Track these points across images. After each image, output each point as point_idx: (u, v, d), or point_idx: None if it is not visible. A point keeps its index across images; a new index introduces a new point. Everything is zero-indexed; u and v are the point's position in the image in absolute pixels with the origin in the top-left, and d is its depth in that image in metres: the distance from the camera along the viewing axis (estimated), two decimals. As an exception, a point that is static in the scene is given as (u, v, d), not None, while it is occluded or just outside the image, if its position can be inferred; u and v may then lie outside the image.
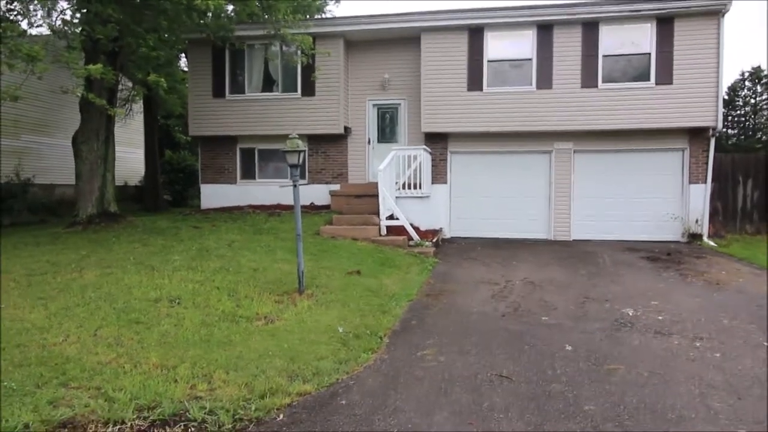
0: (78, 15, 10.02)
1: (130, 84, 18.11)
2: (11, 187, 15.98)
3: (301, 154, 6.98)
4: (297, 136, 7.03)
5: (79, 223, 11.49)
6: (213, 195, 14.97)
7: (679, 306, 6.82)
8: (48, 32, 10.95)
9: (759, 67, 33.02)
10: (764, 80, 33.00)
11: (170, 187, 20.80)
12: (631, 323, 6.07)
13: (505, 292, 7.62)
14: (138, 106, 19.75)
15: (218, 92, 14.55)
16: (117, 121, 18.74)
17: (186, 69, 17.00)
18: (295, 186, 7.10)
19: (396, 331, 5.84)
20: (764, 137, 32.26)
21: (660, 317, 6.30)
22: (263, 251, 9.30)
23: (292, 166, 7.00)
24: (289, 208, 13.79)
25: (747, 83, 34.01)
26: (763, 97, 33.53)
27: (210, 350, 5.14)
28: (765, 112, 33.82)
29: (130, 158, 21.62)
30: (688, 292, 7.58)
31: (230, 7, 13.85)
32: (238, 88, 14.63)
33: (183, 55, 19.04)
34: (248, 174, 15.04)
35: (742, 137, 33.54)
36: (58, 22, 9.88)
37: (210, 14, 12.18)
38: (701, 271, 9.00)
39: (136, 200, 20.20)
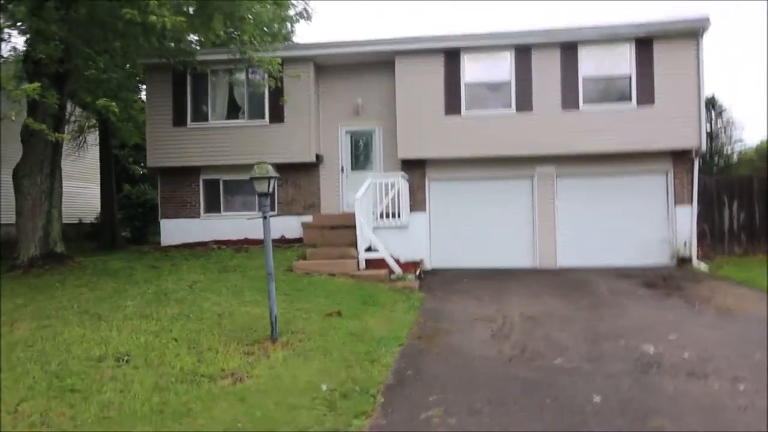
0: (15, 32, 9.01)
1: (82, 116, 17.01)
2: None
3: (272, 182, 6.10)
4: (266, 161, 6.16)
5: (19, 266, 10.23)
6: (174, 230, 13.83)
7: (700, 340, 6.12)
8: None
9: (713, 97, 33.94)
10: (718, 109, 33.93)
11: (129, 224, 19.44)
12: (657, 363, 5.31)
13: (505, 330, 6.80)
14: (93, 138, 18.55)
15: (179, 120, 13.59)
16: (70, 154, 17.62)
17: (144, 97, 16.01)
18: (265, 218, 6.19)
19: (390, 386, 4.92)
20: (721, 162, 32.96)
21: (685, 355, 5.56)
22: (229, 293, 8.27)
23: (262, 195, 6.11)
24: (258, 242, 12.77)
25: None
26: (718, 125, 34.42)
27: (163, 424, 4.12)
28: (721, 139, 34.71)
29: (86, 194, 20.27)
30: (702, 323, 6.92)
31: (192, 35, 12.99)
32: (200, 115, 13.70)
33: (142, 84, 18.11)
34: (213, 207, 13.98)
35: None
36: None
37: (168, 36, 11.31)
38: (705, 298, 8.40)
39: (91, 238, 18.78)
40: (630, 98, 12.26)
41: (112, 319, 6.85)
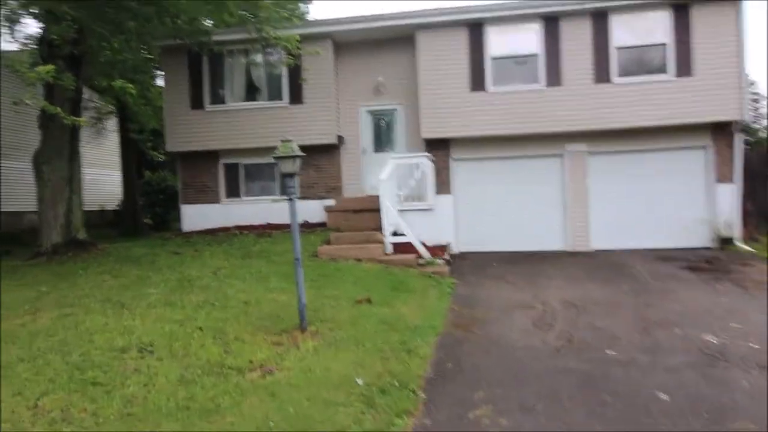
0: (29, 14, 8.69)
1: (100, 102, 16.81)
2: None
3: (298, 161, 5.73)
4: (291, 139, 5.78)
5: (42, 253, 10.08)
6: (195, 216, 13.60)
7: (765, 329, 5.64)
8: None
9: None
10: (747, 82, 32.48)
11: (150, 210, 19.34)
12: (722, 355, 4.87)
13: (547, 317, 6.40)
14: (112, 124, 18.40)
15: (197, 103, 13.26)
16: (90, 141, 17.49)
17: (161, 81, 15.72)
18: (290, 200, 5.84)
19: (431, 380, 4.58)
20: (751, 138, 31.68)
21: (753, 345, 5.11)
22: (254, 279, 7.99)
23: (287, 176, 5.75)
24: (281, 227, 12.51)
25: None
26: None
27: (190, 422, 3.84)
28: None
29: (107, 181, 20.19)
30: (762, 309, 6.42)
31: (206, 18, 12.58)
32: (218, 98, 13.35)
33: (158, 69, 17.84)
34: (233, 192, 13.70)
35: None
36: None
37: (181, 17, 10.94)
38: (758, 282, 7.87)
39: (114, 226, 18.73)
40: (666, 69, 11.58)
41: (135, 308, 6.60)
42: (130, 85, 8.70)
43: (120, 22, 9.51)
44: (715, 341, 5.29)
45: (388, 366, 4.86)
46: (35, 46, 10.55)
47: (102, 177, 19.99)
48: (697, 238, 11.85)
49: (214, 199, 13.63)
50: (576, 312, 6.56)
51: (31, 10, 9.73)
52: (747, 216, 12.04)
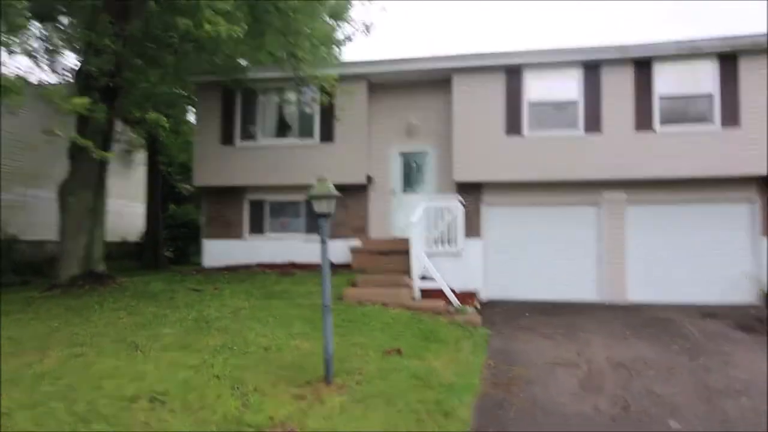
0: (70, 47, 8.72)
1: (132, 134, 16.97)
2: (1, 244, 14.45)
3: (333, 201, 5.39)
4: (327, 178, 5.46)
5: (59, 286, 9.82)
6: (217, 252, 13.34)
7: None
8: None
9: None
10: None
11: (172, 244, 19.24)
12: (806, 436, 4.25)
13: (594, 379, 5.81)
14: (141, 157, 18.53)
15: (227, 139, 13.21)
16: (117, 172, 17.58)
17: (193, 117, 15.82)
18: (323, 241, 5.46)
19: (474, 451, 4.04)
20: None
21: (837, 425, 4.48)
22: (276, 323, 7.55)
23: (321, 216, 5.40)
24: (304, 267, 12.17)
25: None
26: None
27: (202, 491, 3.36)
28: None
29: (130, 212, 20.21)
30: (835, 380, 5.75)
31: (243, 56, 12.62)
32: (249, 134, 13.28)
33: (190, 105, 18.03)
34: (257, 228, 13.46)
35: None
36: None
37: (219, 53, 10.97)
38: (823, 347, 7.18)
39: (135, 257, 18.63)
40: (712, 119, 11.16)
41: (149, 350, 6.20)
42: (164, 118, 8.57)
43: (159, 57, 9.50)
44: (792, 418, 4.66)
45: (424, 430, 4.34)
46: (71, 79, 10.62)
47: (126, 208, 20.03)
48: (741, 294, 11.13)
49: (238, 235, 13.39)
50: (627, 374, 5.96)
51: (73, 45, 9.85)
52: (795, 273, 11.29)
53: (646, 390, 5.41)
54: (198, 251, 19.04)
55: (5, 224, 15.03)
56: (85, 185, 10.16)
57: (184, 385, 5.13)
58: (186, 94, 16.16)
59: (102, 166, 10.45)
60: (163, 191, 18.10)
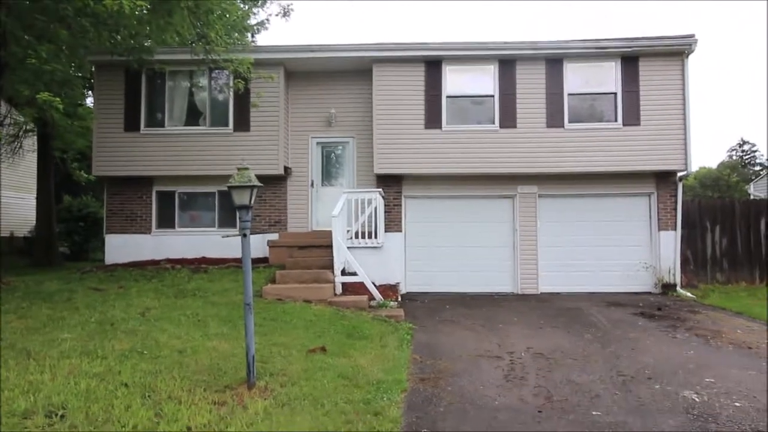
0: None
1: (21, 119, 15.30)
2: None
3: (255, 192, 5.06)
4: (248, 167, 5.11)
5: (-68, 287, 8.63)
6: (122, 247, 12.35)
7: (741, 384, 5.43)
8: None
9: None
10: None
11: (68, 238, 17.62)
12: (712, 417, 4.55)
13: (517, 370, 5.93)
14: (30, 143, 16.77)
15: (131, 125, 12.23)
16: (3, 160, 15.80)
17: (91, 100, 14.52)
18: (244, 236, 5.11)
19: (407, 452, 3.93)
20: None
21: (737, 403, 4.84)
22: (190, 323, 7.07)
23: (241, 208, 5.05)
24: (217, 261, 11.62)
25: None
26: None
27: None
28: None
29: (20, 204, 18.36)
30: (730, 362, 6.26)
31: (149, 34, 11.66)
32: (156, 120, 12.38)
33: (89, 89, 16.54)
34: (166, 222, 12.61)
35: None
36: None
37: (122, 32, 10.08)
38: (714, 331, 7.83)
39: (25, 254, 16.90)
40: (616, 118, 11.85)
41: (44, 357, 5.55)
42: (57, 99, 7.69)
43: (50, 31, 8.52)
44: (697, 399, 4.98)
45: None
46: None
47: (14, 200, 18.18)
48: (642, 283, 12.00)
49: (144, 229, 12.48)
50: (546, 364, 6.14)
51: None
52: (686, 263, 12.33)
53: (566, 379, 5.58)
54: (99, 247, 17.61)
55: None
56: (-38, 173, 8.97)
57: (87, 396, 4.62)
58: (82, 74, 14.79)
59: (-17, 152, 9.27)
60: (57, 181, 16.48)
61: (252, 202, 5.07)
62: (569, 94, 11.89)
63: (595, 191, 12.16)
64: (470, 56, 11.95)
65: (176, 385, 4.99)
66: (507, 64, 11.93)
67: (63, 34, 8.62)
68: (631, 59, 11.79)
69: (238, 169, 5.01)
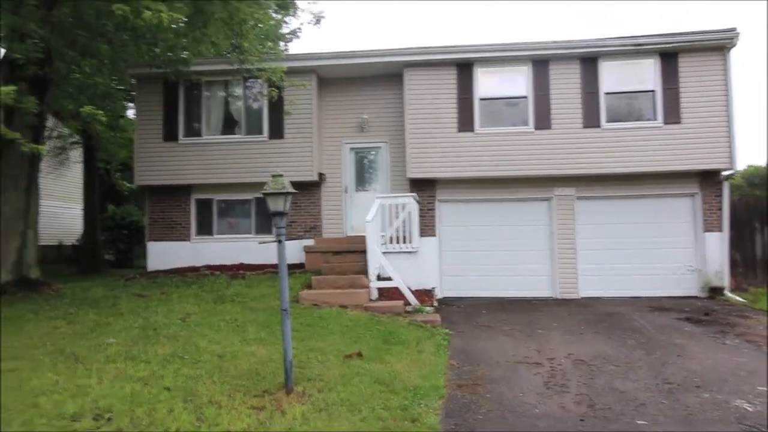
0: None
1: (67, 131, 15.93)
2: None
3: (289, 198, 5.12)
4: (282, 174, 5.18)
5: (-13, 294, 9.04)
6: (163, 254, 12.68)
7: (795, 392, 5.17)
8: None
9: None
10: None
11: (113, 246, 18.22)
12: (766, 428, 4.33)
13: (557, 377, 5.80)
14: (77, 155, 17.43)
15: (170, 135, 12.56)
16: (51, 171, 16.47)
17: (132, 112, 14.99)
18: (279, 242, 5.17)
19: (446, 459, 3.89)
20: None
21: (793, 414, 4.61)
22: (229, 328, 7.19)
23: (277, 215, 5.11)
24: (255, 268, 11.78)
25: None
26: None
27: None
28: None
29: (67, 214, 19.07)
30: (783, 369, 5.97)
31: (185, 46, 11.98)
32: (193, 130, 12.69)
33: (130, 101, 17.09)
34: (205, 229, 12.89)
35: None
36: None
37: (160, 44, 10.37)
38: (765, 337, 7.49)
39: (72, 262, 17.54)
40: (655, 116, 11.52)
41: (91, 362, 5.73)
42: (100, 112, 7.97)
43: (93, 45, 8.85)
44: (749, 408, 4.77)
45: (392, 439, 4.16)
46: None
47: (62, 210, 18.88)
48: (687, 287, 11.59)
49: (184, 237, 12.78)
50: (588, 371, 5.99)
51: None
52: (734, 265, 11.85)
53: (609, 387, 5.43)
54: (141, 254, 18.13)
55: None
56: (15, 184, 9.39)
57: (131, 400, 4.74)
58: (123, 87, 15.30)
59: (33, 163, 9.70)
60: (101, 191, 17.08)
61: (286, 208, 5.12)
62: (606, 93, 11.63)
63: (635, 192, 11.83)
64: (502, 58, 11.83)
65: (216, 389, 5.07)
66: (540, 64, 11.75)
67: (104, 49, 8.94)
68: (669, 55, 11.46)
69: (273, 176, 5.07)
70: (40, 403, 4.65)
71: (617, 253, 11.80)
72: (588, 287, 11.73)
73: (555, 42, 11.63)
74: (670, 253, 11.73)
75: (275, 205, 5.07)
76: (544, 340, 7.53)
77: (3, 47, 8.08)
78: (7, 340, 6.58)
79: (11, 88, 6.83)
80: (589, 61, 11.66)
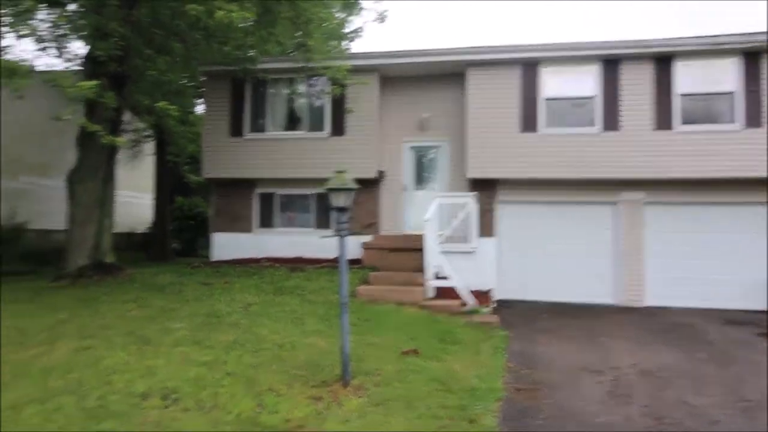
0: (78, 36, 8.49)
1: (140, 125, 16.76)
2: (3, 232, 14.30)
3: (352, 194, 5.17)
4: (345, 170, 5.24)
5: (66, 276, 9.64)
6: (226, 245, 13.12)
7: None
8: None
9: None
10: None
11: (179, 236, 19.06)
12: None
13: (622, 386, 5.58)
14: (149, 148, 18.33)
15: (236, 130, 12.97)
16: (125, 163, 17.38)
17: (201, 107, 15.60)
18: (341, 237, 5.24)
19: (504, 463, 3.82)
20: None
21: None
22: (288, 319, 7.35)
23: (339, 210, 5.18)
24: (313, 262, 11.97)
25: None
26: None
27: (220, 501, 3.15)
28: None
29: (138, 203, 20.03)
30: None
31: (252, 45, 12.35)
32: (258, 126, 13.04)
33: (198, 97, 17.80)
34: (266, 222, 13.23)
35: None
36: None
37: (230, 42, 10.72)
38: None
39: (142, 249, 18.45)
40: (734, 119, 10.86)
41: (159, 344, 6.01)
42: (173, 107, 8.35)
43: (167, 44, 9.27)
44: (837, 433, 4.42)
45: (448, 438, 4.13)
46: (79, 67, 10.42)
47: (134, 200, 19.86)
48: (758, 300, 10.85)
49: (247, 229, 13.17)
50: (656, 383, 5.73)
51: (79, 32, 9.65)
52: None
53: (678, 400, 5.17)
54: (205, 244, 18.85)
55: (13, 212, 14.88)
56: (93, 174, 9.97)
57: (196, 383, 4.94)
58: (193, 84, 15.93)
59: (111, 154, 10.26)
60: (171, 183, 17.89)
61: (348, 204, 5.18)
62: (680, 95, 11.06)
63: (709, 199, 11.20)
64: (570, 57, 11.48)
65: (275, 378, 5.19)
66: (610, 64, 11.32)
67: (178, 47, 9.33)
68: (752, 55, 10.77)
69: (336, 172, 5.15)
70: (113, 380, 4.92)
71: (687, 262, 11.22)
72: (654, 296, 11.23)
73: (627, 41, 11.17)
74: (747, 264, 11.03)
75: (337, 200, 5.14)
76: (607, 347, 7.26)
77: (86, 48, 8.58)
78: (83, 320, 7.00)
79: (94, 83, 7.26)
80: (663, 60, 11.12)
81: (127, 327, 6.69)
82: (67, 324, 6.81)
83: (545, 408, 4.92)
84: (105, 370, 5.17)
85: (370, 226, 12.63)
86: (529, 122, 11.61)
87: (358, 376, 5.32)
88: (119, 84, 9.52)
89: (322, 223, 12.81)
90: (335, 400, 4.78)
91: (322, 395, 4.88)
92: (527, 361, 6.48)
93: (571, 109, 11.67)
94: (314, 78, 12.45)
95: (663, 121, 11.10)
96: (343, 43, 18.29)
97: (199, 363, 5.45)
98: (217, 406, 4.52)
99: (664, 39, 11.04)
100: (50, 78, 7.44)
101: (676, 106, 11.05)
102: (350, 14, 17.90)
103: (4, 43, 8.12)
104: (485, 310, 8.90)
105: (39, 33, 8.99)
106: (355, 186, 5.20)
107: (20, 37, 7.74)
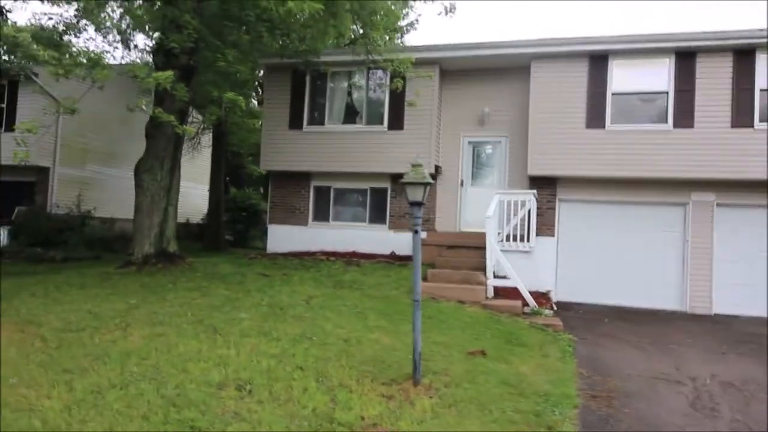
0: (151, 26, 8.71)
1: (199, 117, 17.16)
2: (69, 219, 14.95)
3: (427, 189, 5.07)
4: (421, 163, 5.14)
5: (133, 263, 9.95)
6: (281, 237, 13.28)
7: None
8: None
9: None
10: None
11: (232, 226, 19.47)
12: None
13: (704, 398, 5.28)
14: (206, 140, 18.78)
15: (295, 123, 13.06)
16: (184, 154, 17.88)
17: (260, 99, 15.82)
18: (416, 232, 5.15)
19: (591, 475, 3.65)
20: None
21: None
22: (350, 313, 7.33)
23: (414, 204, 5.09)
24: (367, 256, 11.95)
25: None
26: None
27: (305, 497, 3.13)
28: None
29: (194, 194, 20.59)
30: None
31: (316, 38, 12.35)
32: (317, 119, 13.09)
33: (256, 91, 18.09)
34: (321, 215, 13.31)
35: None
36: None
37: (293, 36, 10.78)
38: None
39: (197, 238, 18.96)
40: (821, 117, 10.16)
41: (228, 334, 6.09)
42: (240, 98, 8.47)
43: (235, 36, 9.40)
44: None
45: (528, 445, 3.99)
46: (150, 59, 10.72)
47: (190, 190, 20.42)
48: None
49: (302, 221, 13.28)
50: (740, 396, 5.40)
51: (148, 26, 9.92)
52: None
53: (769, 416, 4.85)
54: (257, 236, 19.22)
55: (79, 200, 15.53)
56: (161, 164, 10.23)
57: (268, 375, 4.96)
58: (252, 76, 16.16)
59: (177, 145, 10.50)
60: (225, 174, 18.28)
61: (425, 198, 5.08)
62: (762, 90, 10.42)
63: (787, 202, 10.55)
64: (642, 49, 10.98)
65: (345, 373, 5.17)
66: (685, 57, 10.77)
67: (244, 39, 9.43)
68: None
69: (413, 165, 5.05)
70: (188, 369, 5.00)
71: (761, 269, 10.61)
72: (723, 303, 10.66)
73: (704, 33, 10.60)
74: (827, 272, 10.34)
75: (414, 194, 5.05)
76: (679, 356, 6.92)
77: (157, 40, 8.78)
78: (152, 307, 7.19)
79: (170, 73, 7.43)
80: (744, 53, 10.49)
81: (194, 315, 6.82)
82: (137, 310, 7.01)
83: (625, 418, 4.70)
84: (179, 357, 5.27)
85: (426, 223, 12.48)
86: (595, 118, 11.20)
87: (427, 375, 5.23)
88: (188, 75, 9.72)
89: (377, 218, 12.77)
90: (407, 399, 4.71)
91: (393, 393, 4.82)
92: (597, 367, 6.23)
93: (640, 104, 11.21)
94: (373, 71, 12.38)
95: (742, 117, 10.48)
96: (398, 35, 18.19)
97: (269, 355, 5.49)
98: (291, 399, 4.53)
99: (746, 30, 10.41)
100: (128, 69, 7.64)
101: (757, 101, 10.42)
102: (404, 6, 17.78)
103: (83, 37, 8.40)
104: (547, 312, 8.64)
105: (108, 26, 9.31)
106: (431, 180, 5.09)
107: (98, 29, 7.99)
